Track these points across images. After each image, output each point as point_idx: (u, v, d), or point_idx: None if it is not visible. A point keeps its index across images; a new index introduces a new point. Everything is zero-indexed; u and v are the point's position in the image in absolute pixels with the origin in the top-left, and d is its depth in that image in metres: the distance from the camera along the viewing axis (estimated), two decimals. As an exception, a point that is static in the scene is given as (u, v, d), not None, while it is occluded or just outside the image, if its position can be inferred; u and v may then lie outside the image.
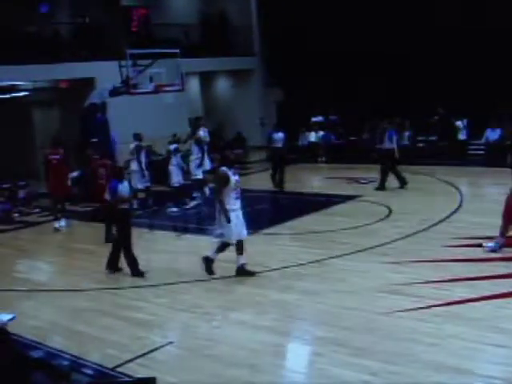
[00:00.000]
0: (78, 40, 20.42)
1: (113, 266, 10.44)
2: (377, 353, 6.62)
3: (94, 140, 14.71)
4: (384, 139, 15.81)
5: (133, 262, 10.12)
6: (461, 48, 19.01)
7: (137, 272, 10.10)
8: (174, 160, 15.45)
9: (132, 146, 15.96)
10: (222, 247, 9.69)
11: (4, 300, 9.35)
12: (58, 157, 14.31)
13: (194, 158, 15.68)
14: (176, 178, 15.37)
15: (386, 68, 20.60)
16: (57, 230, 14.30)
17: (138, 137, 15.93)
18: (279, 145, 17.07)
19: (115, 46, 18.70)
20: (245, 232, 9.65)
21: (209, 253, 9.74)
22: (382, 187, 15.66)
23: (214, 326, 7.98)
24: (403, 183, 15.66)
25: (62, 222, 14.43)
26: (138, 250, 10.25)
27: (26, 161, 20.92)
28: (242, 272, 9.61)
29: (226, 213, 9.29)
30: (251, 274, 9.63)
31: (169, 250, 12.00)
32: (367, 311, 7.89)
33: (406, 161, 16.52)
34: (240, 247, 9.57)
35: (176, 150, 15.57)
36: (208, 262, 9.68)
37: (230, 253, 10.65)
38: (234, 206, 9.41)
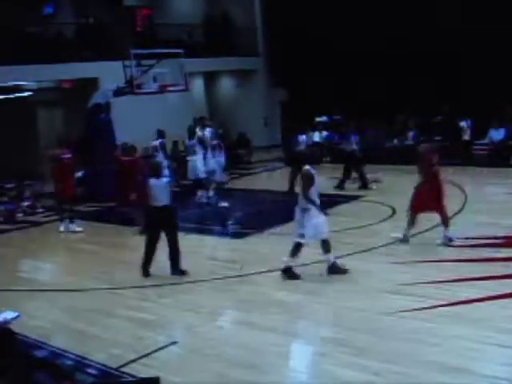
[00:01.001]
0: (82, 40, 20.45)
1: (178, 270, 10.01)
2: (380, 353, 6.61)
3: (125, 142, 14.32)
4: (351, 140, 16.26)
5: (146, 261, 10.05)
6: (464, 48, 18.97)
7: (144, 270, 10.03)
8: (199, 153, 15.71)
9: (156, 142, 16.23)
10: (297, 249, 9.31)
11: (8, 300, 9.35)
12: (69, 156, 14.18)
13: (197, 157, 15.74)
14: (199, 172, 15.73)
15: (390, 68, 20.57)
16: (68, 231, 13.98)
17: (161, 133, 16.10)
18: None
19: (119, 46, 18.70)
20: (325, 229, 9.38)
21: (285, 262, 9.34)
22: (340, 186, 16.06)
23: (217, 325, 7.98)
24: (364, 185, 15.95)
25: (73, 225, 14.05)
26: (142, 249, 10.23)
27: (30, 161, 20.94)
28: (335, 269, 9.32)
29: (319, 209, 9.25)
30: (344, 271, 9.33)
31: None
32: (371, 311, 7.88)
33: (410, 161, 16.46)
34: (327, 245, 9.32)
35: (202, 142, 15.91)
36: (288, 272, 9.30)
37: (231, 253, 10.69)
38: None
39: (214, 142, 16.10)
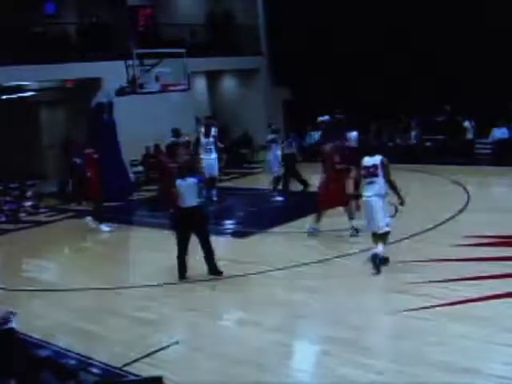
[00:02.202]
0: (85, 40, 20.44)
1: (214, 270, 9.81)
2: (384, 352, 6.61)
3: (169, 143, 14.14)
4: (292, 144, 16.58)
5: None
6: (466, 47, 18.93)
7: (180, 272, 9.80)
8: (274, 149, 15.98)
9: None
10: (387, 236, 9.45)
11: (12, 299, 9.37)
12: (98, 156, 14.08)
13: (213, 155, 15.87)
14: (275, 168, 16.01)
15: (392, 67, 20.50)
16: (104, 231, 13.82)
17: (176, 132, 16.13)
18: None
19: (122, 46, 18.70)
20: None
21: (381, 252, 9.25)
22: (284, 189, 16.33)
23: (220, 325, 7.98)
24: (305, 186, 16.02)
25: (105, 226, 13.96)
26: (145, 250, 10.25)
27: (33, 160, 20.96)
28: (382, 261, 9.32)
29: (402, 197, 9.41)
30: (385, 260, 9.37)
31: (175, 249, 11.93)
32: (374, 311, 7.88)
33: (413, 160, 16.49)
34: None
35: (274, 140, 16.23)
36: (386, 261, 9.31)
37: (233, 252, 10.69)
38: None
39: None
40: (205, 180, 15.83)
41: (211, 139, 16.06)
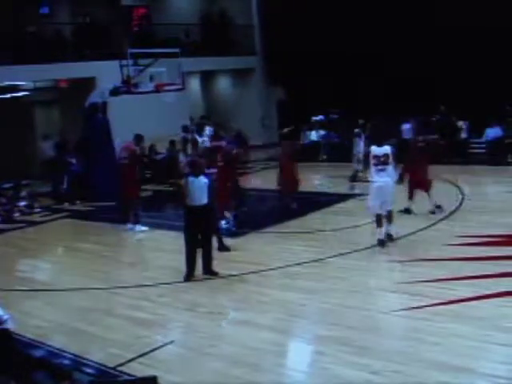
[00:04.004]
0: (79, 39, 20.42)
1: (210, 270, 9.78)
2: (379, 352, 6.61)
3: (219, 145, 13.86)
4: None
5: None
6: (460, 47, 19.00)
7: (188, 274, 9.67)
8: (360, 144, 16.28)
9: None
10: (391, 216, 10.75)
11: (7, 299, 9.33)
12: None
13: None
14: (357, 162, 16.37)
15: (387, 67, 20.56)
16: (138, 232, 13.36)
17: (185, 129, 16.04)
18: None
19: (116, 46, 18.72)
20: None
21: (393, 232, 10.68)
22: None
23: (216, 325, 7.97)
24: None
25: (142, 226, 13.48)
26: (141, 250, 10.22)
27: (27, 160, 20.88)
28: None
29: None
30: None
31: (171, 248, 11.93)
32: (369, 310, 7.89)
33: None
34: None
35: (357, 135, 16.61)
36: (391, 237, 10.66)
37: (229, 252, 10.67)
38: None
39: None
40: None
41: (205, 138, 16.04)
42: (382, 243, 10.46)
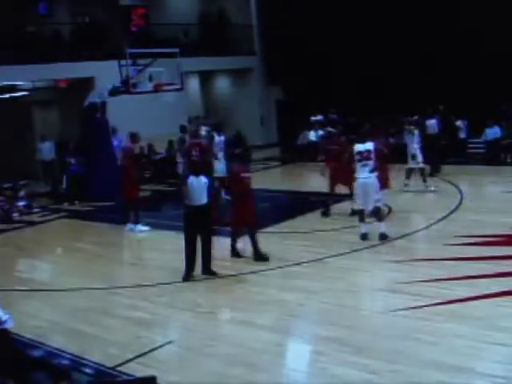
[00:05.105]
0: (78, 39, 20.41)
1: (209, 270, 9.78)
2: (378, 351, 6.61)
3: (238, 151, 13.67)
4: None
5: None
6: (459, 47, 19.02)
7: (187, 274, 9.63)
8: (417, 139, 15.80)
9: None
10: (380, 213, 11.10)
11: (6, 299, 9.31)
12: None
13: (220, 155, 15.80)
14: (420, 158, 15.79)
15: (386, 67, 20.57)
16: (138, 232, 13.29)
17: (182, 129, 15.98)
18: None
19: (115, 46, 18.71)
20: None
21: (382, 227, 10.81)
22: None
23: (214, 324, 7.97)
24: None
25: (142, 227, 13.39)
26: (139, 249, 10.22)
27: (26, 160, 20.88)
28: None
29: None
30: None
31: (170, 248, 11.93)
32: (368, 310, 7.90)
33: (405, 159, 16.47)
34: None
35: (410, 131, 16.06)
36: (383, 237, 10.77)
37: (228, 252, 10.67)
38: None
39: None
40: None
41: (222, 139, 15.93)
42: (363, 237, 10.83)
